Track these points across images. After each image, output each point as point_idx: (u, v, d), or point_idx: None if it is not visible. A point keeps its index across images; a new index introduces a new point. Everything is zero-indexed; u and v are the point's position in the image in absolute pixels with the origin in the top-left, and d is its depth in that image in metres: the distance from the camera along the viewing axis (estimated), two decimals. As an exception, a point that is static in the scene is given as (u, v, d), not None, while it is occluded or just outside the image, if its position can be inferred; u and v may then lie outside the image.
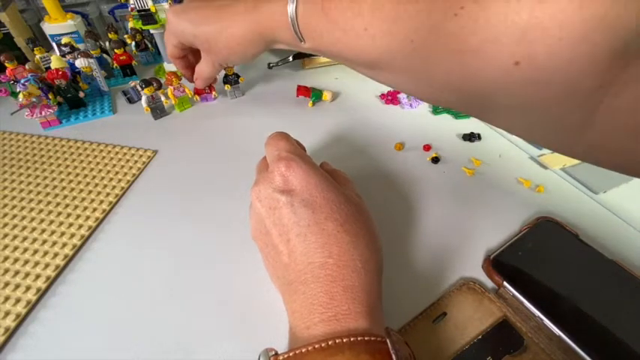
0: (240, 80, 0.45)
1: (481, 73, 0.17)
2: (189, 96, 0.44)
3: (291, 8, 0.25)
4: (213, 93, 0.45)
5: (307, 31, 0.26)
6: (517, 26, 0.15)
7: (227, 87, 0.45)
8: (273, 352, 0.17)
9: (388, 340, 0.16)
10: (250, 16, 0.30)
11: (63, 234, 0.29)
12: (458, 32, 0.17)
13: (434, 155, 0.36)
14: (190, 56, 0.41)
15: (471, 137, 0.39)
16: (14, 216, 0.31)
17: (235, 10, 0.31)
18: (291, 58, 0.52)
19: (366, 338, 0.16)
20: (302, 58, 0.53)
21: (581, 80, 0.15)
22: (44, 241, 0.28)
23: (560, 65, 0.15)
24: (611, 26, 0.13)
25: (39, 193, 0.33)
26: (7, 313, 0.24)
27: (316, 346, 0.16)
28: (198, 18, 0.33)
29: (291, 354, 0.16)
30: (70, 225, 0.30)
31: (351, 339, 0.16)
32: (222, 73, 0.44)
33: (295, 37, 0.27)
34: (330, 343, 0.16)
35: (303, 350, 0.16)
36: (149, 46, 0.54)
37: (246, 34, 0.31)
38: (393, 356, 0.15)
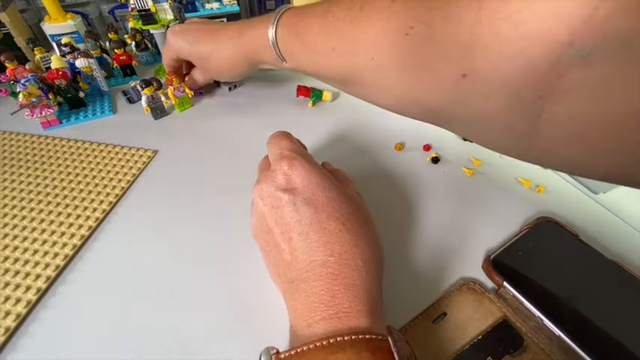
0: None
1: (434, 85, 0.19)
2: (190, 96, 0.44)
3: (270, 33, 0.29)
4: None
5: (286, 52, 0.30)
6: (461, 43, 0.17)
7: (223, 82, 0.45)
8: (275, 351, 0.17)
9: (390, 339, 0.16)
10: (237, 40, 0.34)
11: (63, 234, 0.29)
12: (412, 50, 0.19)
13: (434, 155, 0.36)
14: (184, 66, 0.45)
15: (470, 137, 0.39)
16: (14, 216, 0.31)
17: (225, 34, 0.35)
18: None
19: (367, 336, 0.16)
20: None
21: (521, 91, 0.16)
22: (44, 241, 0.28)
23: (502, 77, 0.16)
24: (545, 41, 0.14)
25: (39, 193, 0.33)
26: (7, 313, 0.24)
27: (317, 344, 0.16)
28: (194, 38, 0.38)
29: (292, 352, 0.16)
30: (70, 225, 0.30)
31: (353, 337, 0.16)
32: None
33: (277, 58, 0.31)
34: (331, 341, 0.16)
35: (305, 348, 0.16)
36: (149, 46, 0.54)
37: (233, 56, 0.35)
38: (395, 355, 0.15)
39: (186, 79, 0.44)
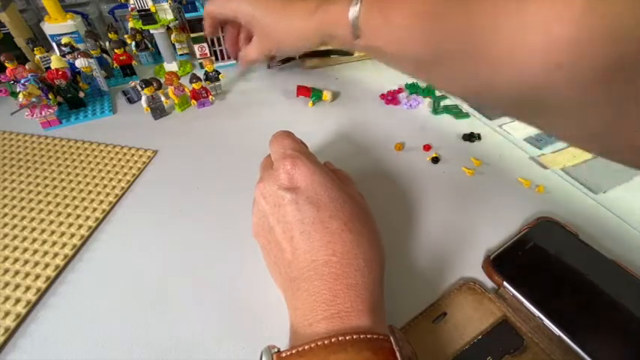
0: (220, 77, 0.46)
1: (528, 74, 0.19)
2: (189, 95, 0.44)
3: (354, 9, 0.28)
4: (210, 97, 0.45)
5: (365, 29, 0.28)
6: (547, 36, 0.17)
7: (207, 83, 0.45)
8: (276, 350, 0.17)
9: (392, 338, 0.16)
10: (313, 14, 0.33)
11: (63, 234, 0.29)
12: (503, 35, 0.19)
13: (434, 155, 0.36)
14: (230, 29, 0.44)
15: (470, 137, 0.39)
16: (14, 216, 0.31)
17: (300, 7, 0.34)
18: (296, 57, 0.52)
19: (368, 336, 0.16)
20: (302, 58, 0.53)
21: (617, 77, 0.16)
22: (44, 242, 0.28)
23: (597, 66, 0.16)
24: (628, 32, 0.15)
25: (39, 193, 0.33)
26: (7, 313, 0.24)
27: (319, 343, 0.16)
28: (267, 5, 0.37)
29: (293, 351, 0.16)
30: (70, 225, 0.30)
31: (354, 336, 0.16)
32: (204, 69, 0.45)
33: (351, 35, 0.29)
34: (333, 340, 0.16)
35: (306, 347, 0.16)
36: (149, 46, 0.54)
37: (306, 28, 0.34)
38: (397, 354, 0.15)
39: (239, 55, 0.42)
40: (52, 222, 0.30)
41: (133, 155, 0.37)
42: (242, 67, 0.44)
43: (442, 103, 0.45)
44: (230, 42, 0.45)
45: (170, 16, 0.46)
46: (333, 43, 0.34)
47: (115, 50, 0.47)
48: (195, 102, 0.44)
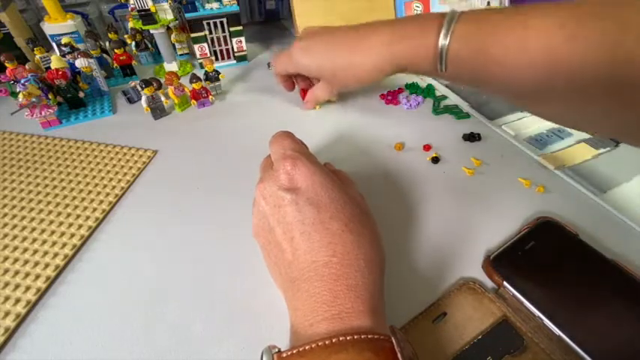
0: (220, 77, 0.45)
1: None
2: (189, 95, 0.44)
3: (442, 43, 0.26)
4: (210, 97, 0.45)
5: (455, 62, 0.26)
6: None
7: (207, 83, 0.45)
8: (277, 350, 0.17)
9: (393, 339, 0.16)
10: (387, 49, 0.30)
11: (63, 234, 0.29)
12: (629, 71, 0.19)
13: (434, 155, 0.36)
14: (294, 78, 0.45)
15: (471, 137, 0.39)
16: (14, 216, 0.31)
17: (369, 44, 0.31)
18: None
19: (369, 336, 0.16)
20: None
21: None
22: (44, 242, 0.28)
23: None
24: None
25: (39, 193, 0.33)
26: (7, 313, 0.24)
27: (320, 343, 0.16)
28: (328, 52, 0.35)
29: (294, 351, 0.16)
30: (70, 225, 0.30)
31: (355, 337, 0.16)
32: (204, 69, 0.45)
33: (434, 67, 0.27)
34: (334, 340, 0.16)
35: (307, 347, 0.16)
36: (149, 46, 0.54)
37: (379, 65, 0.31)
38: (399, 354, 0.15)
39: (306, 98, 0.42)
40: (52, 222, 0.30)
41: (133, 155, 0.37)
42: (308, 107, 0.43)
43: (442, 103, 0.45)
44: (286, 85, 0.45)
45: (170, 16, 0.46)
46: (408, 72, 0.32)
47: (115, 50, 0.47)
48: (195, 102, 0.44)
